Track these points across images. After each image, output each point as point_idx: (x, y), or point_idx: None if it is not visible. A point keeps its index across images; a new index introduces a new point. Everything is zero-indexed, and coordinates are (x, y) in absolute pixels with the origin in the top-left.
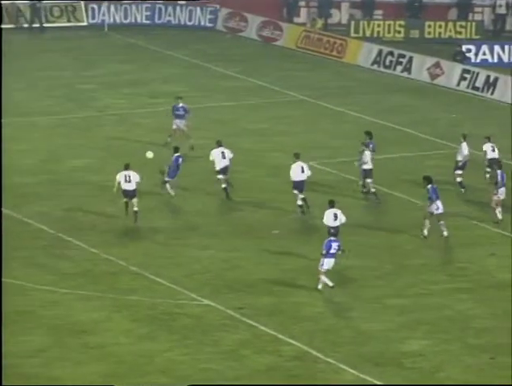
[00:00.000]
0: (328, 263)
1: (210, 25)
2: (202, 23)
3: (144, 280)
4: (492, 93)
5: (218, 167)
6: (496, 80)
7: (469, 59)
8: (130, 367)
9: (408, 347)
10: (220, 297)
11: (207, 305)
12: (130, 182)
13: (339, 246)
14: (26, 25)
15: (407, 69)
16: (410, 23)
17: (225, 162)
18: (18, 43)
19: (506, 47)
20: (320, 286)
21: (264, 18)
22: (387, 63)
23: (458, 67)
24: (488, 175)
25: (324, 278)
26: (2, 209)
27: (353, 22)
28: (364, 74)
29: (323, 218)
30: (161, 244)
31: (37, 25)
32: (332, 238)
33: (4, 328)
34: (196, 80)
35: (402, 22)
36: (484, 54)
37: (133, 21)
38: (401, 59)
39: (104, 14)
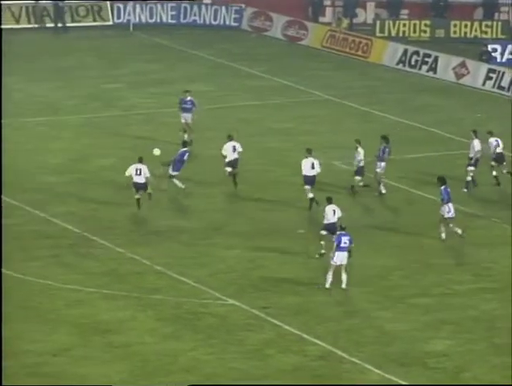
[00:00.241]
0: (338, 256)
1: (235, 24)
2: (227, 23)
3: (169, 279)
4: None
5: (228, 160)
6: None
7: (495, 58)
8: (154, 366)
9: (433, 347)
10: (245, 297)
11: (232, 304)
12: (140, 174)
13: (350, 240)
14: (50, 25)
15: (433, 69)
16: (436, 23)
17: (235, 156)
18: (43, 42)
19: None
20: (327, 285)
21: (289, 18)
22: (413, 62)
23: (484, 67)
24: (494, 169)
25: (330, 276)
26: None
27: (378, 22)
28: (389, 74)
29: (323, 214)
30: (185, 243)
31: (60, 25)
32: (343, 232)
33: (29, 327)
34: (221, 79)
35: (428, 22)
36: (510, 53)
37: (158, 20)
38: (426, 59)
39: (129, 14)
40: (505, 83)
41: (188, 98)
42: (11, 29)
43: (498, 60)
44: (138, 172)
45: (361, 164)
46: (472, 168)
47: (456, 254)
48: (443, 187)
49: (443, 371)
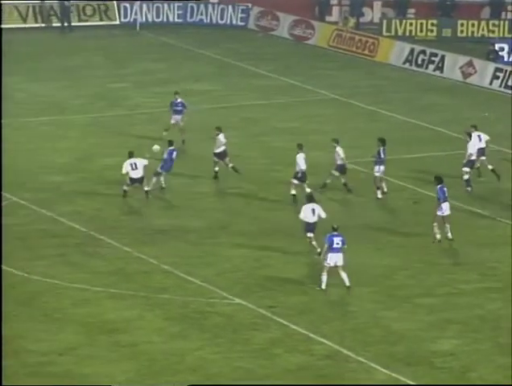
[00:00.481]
0: (332, 258)
1: (242, 24)
2: (234, 22)
3: (176, 278)
4: None
5: (216, 151)
6: None
7: (502, 57)
8: (161, 365)
9: (439, 347)
10: (252, 296)
11: (238, 303)
12: (136, 169)
13: (343, 241)
14: (57, 24)
15: (440, 68)
16: (443, 22)
17: (223, 148)
18: (50, 42)
19: None
20: (323, 286)
21: (296, 17)
22: (419, 61)
23: (491, 66)
24: (478, 164)
25: (325, 277)
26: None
27: (385, 21)
28: (396, 73)
29: (300, 213)
30: (192, 242)
31: (66, 24)
32: (335, 233)
33: (35, 326)
34: (227, 78)
35: (435, 21)
36: None
37: (165, 20)
38: (433, 58)
39: (136, 13)
40: None
41: (179, 100)
42: (18, 28)
43: (505, 59)
44: (134, 166)
45: (343, 162)
46: (467, 169)
47: (460, 254)
48: (439, 186)
49: (449, 371)
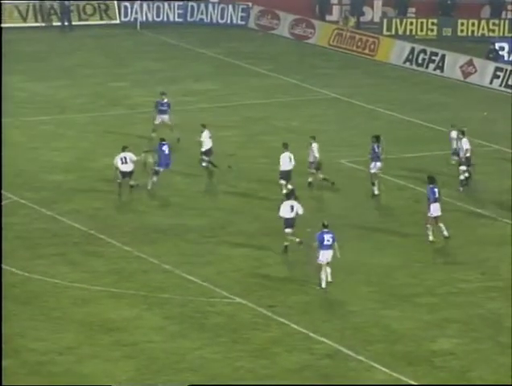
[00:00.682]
0: (324, 255)
1: (242, 23)
2: (234, 21)
3: (176, 278)
4: None
5: (204, 149)
6: None
7: (502, 57)
8: (161, 364)
9: (439, 346)
10: (252, 295)
11: (238, 303)
12: (126, 163)
13: (333, 238)
14: (57, 23)
15: (440, 67)
16: (443, 21)
17: (210, 145)
18: (50, 41)
19: None
20: (323, 285)
21: (296, 16)
22: (420, 61)
23: (491, 65)
24: (453, 162)
25: (323, 275)
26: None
27: (385, 20)
28: (396, 72)
29: (279, 210)
30: (193, 242)
31: (67, 23)
32: (325, 230)
33: (35, 325)
34: (227, 77)
35: (435, 21)
36: None
37: (165, 19)
38: (433, 57)
39: (136, 12)
40: None
41: (165, 100)
42: (18, 27)
43: (506, 58)
44: (124, 160)
45: (315, 159)
46: (464, 167)
47: (461, 253)
48: (430, 186)
49: (449, 371)
